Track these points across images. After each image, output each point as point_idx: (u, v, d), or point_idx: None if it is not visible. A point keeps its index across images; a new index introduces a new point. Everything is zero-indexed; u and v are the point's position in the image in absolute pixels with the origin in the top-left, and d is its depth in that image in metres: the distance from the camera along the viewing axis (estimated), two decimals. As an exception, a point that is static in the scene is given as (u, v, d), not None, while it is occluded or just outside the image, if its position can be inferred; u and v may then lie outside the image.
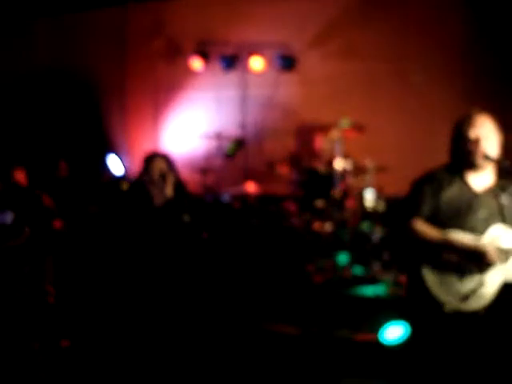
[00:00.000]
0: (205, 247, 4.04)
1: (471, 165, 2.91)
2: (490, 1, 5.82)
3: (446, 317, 2.86)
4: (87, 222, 5.28)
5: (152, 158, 4.08)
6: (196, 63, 6.78)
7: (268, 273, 5.17)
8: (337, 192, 5.62)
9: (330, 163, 5.74)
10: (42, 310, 3.72)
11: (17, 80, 7.24)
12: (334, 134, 5.75)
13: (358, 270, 5.16)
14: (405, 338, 3.91)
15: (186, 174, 4.83)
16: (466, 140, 2.89)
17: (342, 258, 5.28)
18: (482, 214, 2.88)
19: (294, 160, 6.01)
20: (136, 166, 6.81)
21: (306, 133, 6.23)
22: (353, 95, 6.26)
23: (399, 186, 3.22)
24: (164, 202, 3.94)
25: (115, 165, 6.87)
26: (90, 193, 6.05)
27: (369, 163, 5.57)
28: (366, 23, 6.29)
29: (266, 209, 6.05)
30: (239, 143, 6.67)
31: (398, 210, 3.09)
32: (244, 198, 6.30)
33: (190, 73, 6.89)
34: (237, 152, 6.67)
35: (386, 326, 4.10)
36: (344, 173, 5.67)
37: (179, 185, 4.07)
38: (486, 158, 2.87)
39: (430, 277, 2.87)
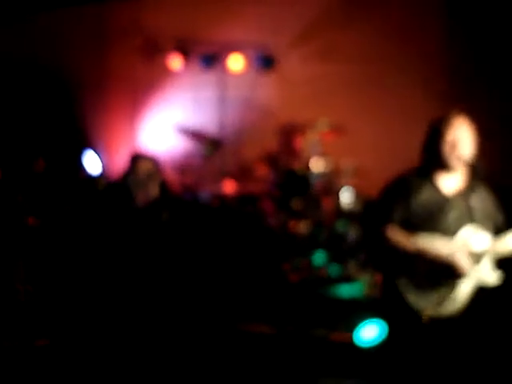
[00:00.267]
0: (182, 246, 4.03)
1: (445, 167, 2.93)
2: (469, 5, 5.89)
3: (420, 322, 2.88)
4: (61, 220, 5.23)
5: (138, 158, 4.07)
6: (175, 62, 6.76)
7: (244, 272, 5.18)
8: (314, 192, 5.66)
9: (307, 164, 5.77)
10: (13, 308, 3.69)
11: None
12: (313, 134, 5.80)
13: (334, 270, 5.19)
14: (380, 337, 3.95)
15: (163, 172, 4.81)
16: (443, 141, 2.91)
17: (318, 257, 5.31)
18: (452, 216, 2.91)
19: (272, 160, 6.04)
20: (113, 165, 6.78)
21: (285, 133, 6.25)
22: (332, 96, 6.28)
23: (376, 187, 3.24)
24: (147, 203, 3.92)
25: (92, 163, 6.83)
26: (66, 190, 6.00)
27: (346, 164, 5.62)
28: (347, 24, 6.32)
29: (243, 208, 6.06)
30: (216, 143, 6.67)
31: (370, 216, 3.11)
32: (222, 197, 6.30)
33: (168, 71, 6.87)
34: (214, 152, 6.67)
35: (361, 325, 4.13)
36: (321, 173, 5.71)
37: (164, 186, 4.07)
38: (463, 160, 2.91)
39: (404, 283, 2.90)
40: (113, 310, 3.80)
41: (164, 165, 5.84)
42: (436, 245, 2.87)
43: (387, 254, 2.96)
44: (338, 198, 5.59)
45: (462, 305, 2.89)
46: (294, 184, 5.74)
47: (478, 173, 2.95)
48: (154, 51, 6.90)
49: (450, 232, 2.89)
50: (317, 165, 5.70)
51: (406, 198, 2.93)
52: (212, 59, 6.70)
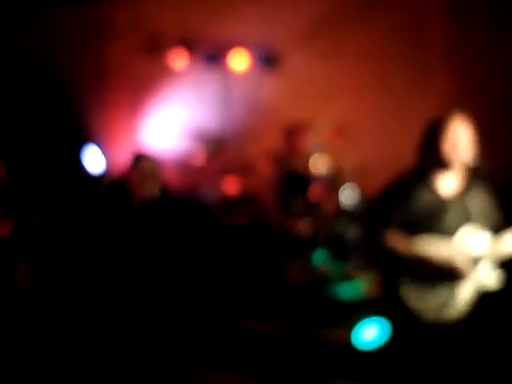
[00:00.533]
0: (183, 245, 4.03)
1: (444, 166, 2.92)
2: (473, 4, 5.87)
3: (422, 326, 2.88)
4: (63, 217, 5.24)
5: (141, 158, 4.08)
6: (177, 60, 6.76)
7: (245, 271, 5.18)
8: (315, 191, 5.65)
9: (309, 162, 5.77)
10: (15, 304, 3.69)
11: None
12: (315, 133, 5.79)
13: (334, 269, 5.18)
14: (381, 338, 3.93)
15: (164, 171, 4.81)
16: (443, 141, 2.90)
17: (319, 256, 5.31)
18: (451, 218, 2.90)
19: (274, 159, 6.03)
20: (115, 163, 6.78)
21: (288, 132, 6.23)
22: (336, 95, 6.27)
23: (378, 186, 3.23)
24: (145, 201, 3.92)
25: (94, 160, 6.83)
26: (68, 187, 6.00)
27: (348, 163, 5.62)
28: (351, 23, 6.30)
29: (244, 207, 6.06)
30: (219, 142, 6.66)
31: (369, 219, 3.09)
32: (224, 196, 6.30)
33: (170, 70, 6.86)
34: (218, 151, 6.66)
35: (361, 325, 4.12)
36: (323, 172, 5.70)
37: (165, 187, 4.08)
38: (463, 160, 2.89)
39: (404, 287, 2.90)
40: (114, 307, 3.80)
41: (166, 163, 5.86)
42: (435, 247, 2.85)
43: (387, 258, 2.94)
44: (339, 198, 5.58)
45: (463, 309, 2.89)
46: (295, 183, 5.73)
47: (478, 172, 2.94)
48: (156, 49, 6.89)
49: (449, 233, 2.89)
50: (318, 164, 5.70)
51: (404, 201, 2.93)
52: (215, 57, 6.70)
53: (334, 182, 5.72)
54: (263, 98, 6.72)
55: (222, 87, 6.80)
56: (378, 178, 3.50)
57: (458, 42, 5.91)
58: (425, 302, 2.86)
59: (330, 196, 5.67)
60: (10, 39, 7.11)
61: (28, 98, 7.15)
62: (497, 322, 3.19)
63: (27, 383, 3.56)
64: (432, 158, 2.95)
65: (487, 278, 2.91)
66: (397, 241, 2.91)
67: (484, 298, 2.92)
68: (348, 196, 5.57)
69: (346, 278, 5.03)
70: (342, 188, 5.61)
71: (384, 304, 3.14)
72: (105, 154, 6.95)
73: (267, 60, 6.62)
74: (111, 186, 4.82)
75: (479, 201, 2.96)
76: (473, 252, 2.88)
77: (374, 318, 4.06)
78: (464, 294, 2.88)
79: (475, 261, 2.88)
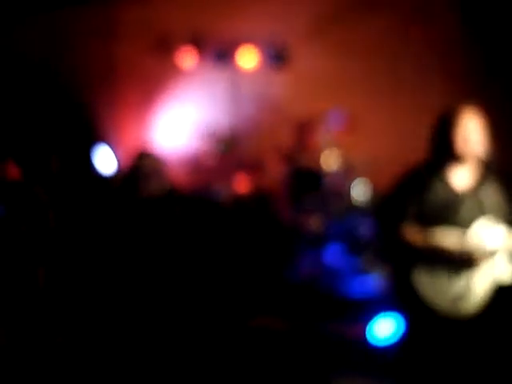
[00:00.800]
0: (192, 242, 4.05)
1: (455, 162, 2.92)
2: (485, 1, 5.85)
3: (438, 319, 2.88)
4: (79, 217, 5.26)
5: (144, 156, 4.11)
6: (186, 58, 6.77)
7: (256, 268, 5.19)
8: (327, 186, 5.65)
9: (320, 158, 5.77)
10: (33, 304, 3.71)
11: (4, 75, 7.20)
12: (326, 128, 5.79)
13: (347, 264, 5.18)
14: (396, 332, 3.93)
15: (175, 170, 4.85)
16: (454, 135, 2.89)
17: (331, 252, 5.31)
18: (464, 211, 2.90)
19: (285, 155, 6.03)
20: (124, 163, 6.81)
21: (298, 128, 6.24)
22: (346, 90, 6.27)
23: (389, 181, 3.24)
24: (150, 197, 3.95)
25: (105, 160, 6.86)
26: (82, 187, 6.04)
27: (359, 158, 5.61)
28: (360, 19, 6.29)
29: (256, 204, 6.07)
30: (229, 140, 6.67)
31: (384, 213, 3.09)
32: (235, 193, 6.31)
33: (180, 68, 6.87)
34: (228, 148, 6.67)
35: (375, 320, 4.12)
36: (334, 168, 5.70)
37: (170, 185, 4.10)
38: (475, 155, 2.88)
39: (420, 280, 2.90)
40: (123, 303, 3.82)
41: (177, 162, 5.90)
42: (451, 239, 2.86)
43: (402, 250, 2.94)
44: (350, 193, 5.58)
45: (478, 302, 2.88)
46: (306, 179, 5.74)
47: (491, 166, 2.93)
48: (165, 48, 6.90)
49: (464, 227, 2.89)
50: (329, 159, 5.70)
51: (418, 194, 2.92)
52: (224, 55, 6.71)
53: (345, 178, 5.73)
54: (273, 95, 6.73)
55: (231, 85, 6.82)
56: (389, 173, 3.50)
57: (470, 36, 5.89)
58: (440, 294, 2.87)
59: (341, 191, 5.67)
60: (21, 42, 7.15)
61: (39, 99, 7.19)
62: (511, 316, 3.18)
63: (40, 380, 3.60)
64: (444, 152, 2.94)
65: (502, 270, 2.91)
66: (413, 233, 2.91)
67: (499, 291, 2.92)
68: (360, 191, 5.57)
69: (359, 273, 5.04)
70: (353, 183, 5.61)
71: (399, 298, 3.14)
72: (115, 154, 6.98)
73: (276, 57, 6.62)
74: (119, 184, 4.85)
75: (492, 194, 2.95)
76: (488, 245, 2.88)
77: (388, 314, 4.06)
78: (479, 286, 2.88)
79: (490, 254, 2.87)
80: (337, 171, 5.71)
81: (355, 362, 3.98)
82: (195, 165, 6.56)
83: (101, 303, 4.14)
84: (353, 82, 6.34)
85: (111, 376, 3.69)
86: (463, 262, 2.85)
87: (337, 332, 4.29)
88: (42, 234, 3.62)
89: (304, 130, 6.02)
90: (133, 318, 3.86)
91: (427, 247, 2.87)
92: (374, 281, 4.91)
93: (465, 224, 2.89)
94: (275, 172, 6.10)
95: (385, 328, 4.04)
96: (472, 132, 2.89)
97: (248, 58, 6.65)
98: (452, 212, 2.89)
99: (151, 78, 7.03)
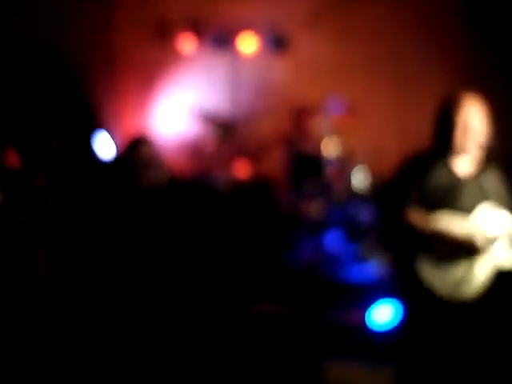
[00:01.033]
0: (192, 229, 4.05)
1: (458, 149, 2.91)
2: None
3: (438, 304, 2.89)
4: (79, 203, 5.26)
5: (142, 142, 4.07)
6: (186, 44, 6.73)
7: (256, 254, 5.20)
8: (327, 173, 5.64)
9: (320, 145, 5.76)
10: (33, 289, 3.72)
11: (3, 61, 7.16)
12: (326, 115, 5.78)
13: (347, 251, 5.19)
14: (394, 319, 3.95)
15: (175, 156, 4.84)
16: (455, 125, 2.88)
17: (331, 239, 5.32)
18: (467, 197, 2.90)
19: (286, 141, 6.02)
20: (123, 149, 6.79)
21: (298, 114, 6.22)
22: (346, 77, 6.25)
23: (390, 167, 3.24)
24: (152, 185, 3.93)
25: (105, 146, 6.84)
26: (82, 173, 6.03)
27: (360, 144, 5.60)
28: (360, 4, 6.27)
29: (255, 190, 6.06)
30: (229, 126, 6.65)
31: (386, 198, 3.10)
32: (234, 179, 6.31)
33: (180, 54, 6.84)
34: (227, 134, 6.65)
35: (374, 306, 4.13)
36: (334, 154, 5.69)
37: (170, 172, 4.08)
38: (478, 143, 2.89)
39: (422, 264, 2.89)
40: (124, 290, 3.83)
41: (176, 148, 5.89)
42: (454, 223, 2.87)
43: (405, 235, 2.95)
44: (351, 179, 5.58)
45: (480, 287, 2.89)
46: (306, 165, 5.73)
47: (492, 154, 2.93)
48: (164, 33, 6.86)
49: (465, 212, 2.89)
50: (329, 146, 5.68)
51: (420, 178, 2.93)
52: (224, 41, 6.67)
53: (345, 164, 5.72)
54: (273, 80, 6.70)
55: (231, 71, 6.79)
56: (390, 159, 3.50)
57: (473, 22, 5.86)
58: (441, 279, 2.87)
59: (341, 178, 5.67)
60: (20, 27, 7.10)
61: (39, 85, 7.15)
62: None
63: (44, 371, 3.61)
64: (445, 141, 2.94)
65: (504, 256, 2.92)
66: (416, 217, 2.91)
67: (500, 277, 2.92)
68: (360, 177, 5.56)
69: (359, 259, 5.05)
70: (353, 169, 5.60)
71: (399, 283, 3.15)
72: (115, 140, 6.97)
73: (276, 42, 6.59)
74: (118, 172, 4.83)
75: (494, 181, 2.95)
76: (490, 230, 2.88)
77: (388, 299, 4.07)
78: (481, 271, 2.89)
79: (493, 239, 2.88)
80: (337, 158, 5.70)
81: (355, 347, 4.00)
82: (195, 151, 6.54)
83: (101, 289, 4.15)
84: (353, 67, 6.32)
85: (110, 360, 3.71)
86: (465, 247, 2.86)
87: (337, 318, 4.31)
88: (40, 220, 3.62)
89: (304, 115, 6.00)
90: (133, 305, 3.87)
91: (429, 231, 2.88)
92: (373, 267, 4.92)
93: (466, 209, 2.89)
94: (275, 158, 6.09)
95: (384, 314, 4.06)
96: (472, 122, 2.88)
97: (248, 44, 6.62)
98: (454, 197, 2.90)
99: (151, 64, 6.99)
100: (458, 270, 2.88)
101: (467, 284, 2.88)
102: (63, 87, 7.20)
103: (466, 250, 2.86)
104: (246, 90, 6.78)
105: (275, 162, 6.10)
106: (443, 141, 2.95)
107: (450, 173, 2.93)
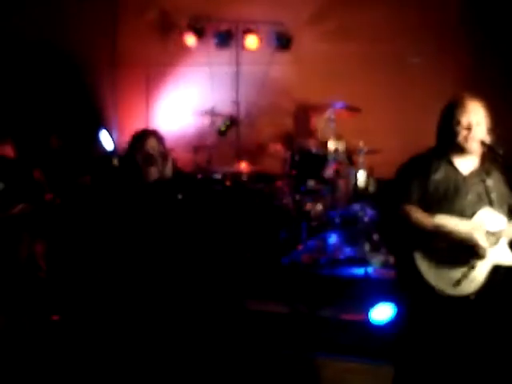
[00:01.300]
0: (194, 224, 4.02)
1: (461, 149, 2.93)
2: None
3: (437, 301, 2.89)
4: (78, 196, 5.25)
5: (144, 135, 4.03)
6: (189, 39, 6.71)
7: (256, 252, 5.18)
8: (329, 172, 5.62)
9: (323, 143, 5.74)
10: (33, 284, 3.71)
11: (6, 54, 7.16)
12: (328, 114, 5.75)
13: (347, 251, 5.18)
14: (393, 318, 3.94)
15: (177, 151, 4.80)
16: (458, 125, 2.90)
17: (333, 238, 5.30)
18: (469, 197, 2.92)
19: (287, 139, 6.00)
20: (126, 142, 6.78)
21: (300, 112, 6.21)
22: (348, 75, 6.23)
23: (391, 168, 3.23)
24: (159, 180, 3.90)
25: (106, 140, 6.83)
26: (82, 166, 6.02)
27: (362, 144, 5.58)
28: (363, 3, 6.25)
29: (257, 188, 6.04)
30: (232, 121, 6.63)
31: (387, 195, 3.11)
32: (236, 176, 6.28)
33: (182, 48, 6.82)
34: (229, 130, 6.63)
35: (374, 306, 4.12)
36: (337, 153, 5.67)
37: (175, 165, 4.04)
38: (481, 143, 2.89)
39: (422, 262, 2.90)
40: (124, 283, 3.81)
41: (177, 143, 5.84)
42: (455, 222, 2.86)
43: (405, 232, 2.95)
44: (353, 179, 5.56)
45: (479, 285, 2.89)
46: (309, 164, 5.70)
47: (494, 155, 2.93)
48: (168, 28, 6.85)
49: (467, 212, 2.90)
50: (332, 144, 5.66)
51: (423, 176, 2.94)
52: (227, 36, 6.65)
53: (347, 163, 5.70)
54: (275, 77, 6.68)
55: (234, 66, 6.77)
56: (392, 159, 3.49)
57: (473, 25, 5.84)
58: (441, 276, 2.88)
59: (343, 176, 5.65)
60: (25, 22, 7.10)
61: (42, 78, 7.15)
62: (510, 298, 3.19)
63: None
64: (449, 141, 2.95)
65: (504, 256, 2.92)
66: (417, 215, 2.91)
67: (500, 275, 2.93)
68: (362, 176, 5.54)
69: (360, 257, 5.03)
70: (355, 168, 5.58)
71: (399, 280, 3.15)
72: (118, 134, 6.96)
73: (279, 40, 6.57)
74: (123, 166, 4.80)
75: (496, 182, 2.96)
76: (491, 231, 2.89)
77: (388, 298, 4.07)
78: (481, 271, 2.89)
79: (493, 239, 2.89)
80: (339, 156, 5.68)
81: (354, 345, 4.00)
82: (197, 145, 6.51)
83: (101, 282, 4.14)
84: (356, 65, 6.30)
85: (109, 352, 3.70)
86: (466, 246, 2.85)
87: (337, 316, 4.30)
88: (38, 212, 3.61)
89: (307, 113, 5.99)
90: (131, 300, 3.85)
91: (431, 229, 2.87)
92: (374, 266, 4.91)
93: (468, 209, 2.90)
94: (277, 155, 6.07)
95: (384, 312, 4.06)
96: (475, 123, 2.90)
97: (251, 40, 6.60)
98: (456, 196, 2.91)
99: (154, 58, 6.97)
100: (457, 268, 2.88)
101: (467, 281, 2.89)
102: (65, 81, 7.20)
103: (467, 248, 2.86)
104: (249, 86, 6.76)
105: (277, 159, 6.07)
106: (447, 140, 2.96)
107: (454, 171, 2.95)
